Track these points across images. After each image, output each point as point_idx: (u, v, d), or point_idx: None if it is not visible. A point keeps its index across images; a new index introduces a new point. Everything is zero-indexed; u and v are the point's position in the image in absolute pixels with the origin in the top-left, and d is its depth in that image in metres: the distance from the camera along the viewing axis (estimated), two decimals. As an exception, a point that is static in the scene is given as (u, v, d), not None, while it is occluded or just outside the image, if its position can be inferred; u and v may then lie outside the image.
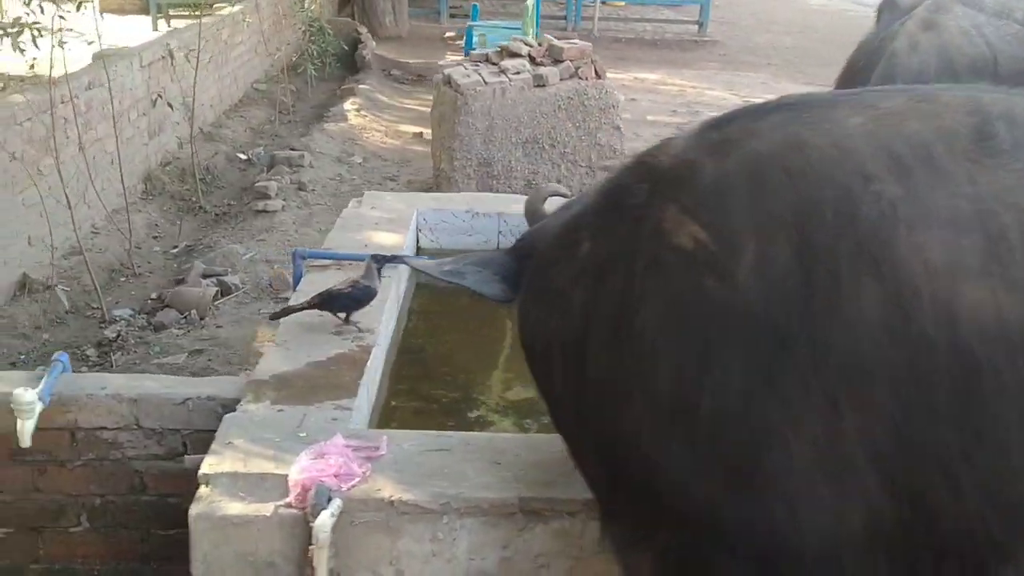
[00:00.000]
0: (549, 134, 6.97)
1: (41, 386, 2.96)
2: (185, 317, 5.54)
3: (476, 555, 2.57)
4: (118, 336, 5.39)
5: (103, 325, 5.61)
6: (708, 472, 1.64)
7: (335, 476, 2.56)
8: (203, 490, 2.58)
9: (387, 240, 4.37)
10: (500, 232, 4.93)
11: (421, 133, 10.00)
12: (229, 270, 6.12)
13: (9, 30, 5.50)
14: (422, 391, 3.90)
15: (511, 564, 2.58)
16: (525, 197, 5.17)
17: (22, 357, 5.17)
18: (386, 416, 3.52)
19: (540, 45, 7.29)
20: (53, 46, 5.53)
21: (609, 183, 2.06)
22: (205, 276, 6.02)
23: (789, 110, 1.82)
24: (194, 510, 2.52)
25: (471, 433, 2.93)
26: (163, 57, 8.24)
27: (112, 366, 4.98)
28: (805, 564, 1.61)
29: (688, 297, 1.67)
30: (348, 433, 2.76)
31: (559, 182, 7.07)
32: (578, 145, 7.03)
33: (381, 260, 3.54)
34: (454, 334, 4.49)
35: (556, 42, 7.28)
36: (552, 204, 2.75)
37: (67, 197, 5.69)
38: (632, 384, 1.76)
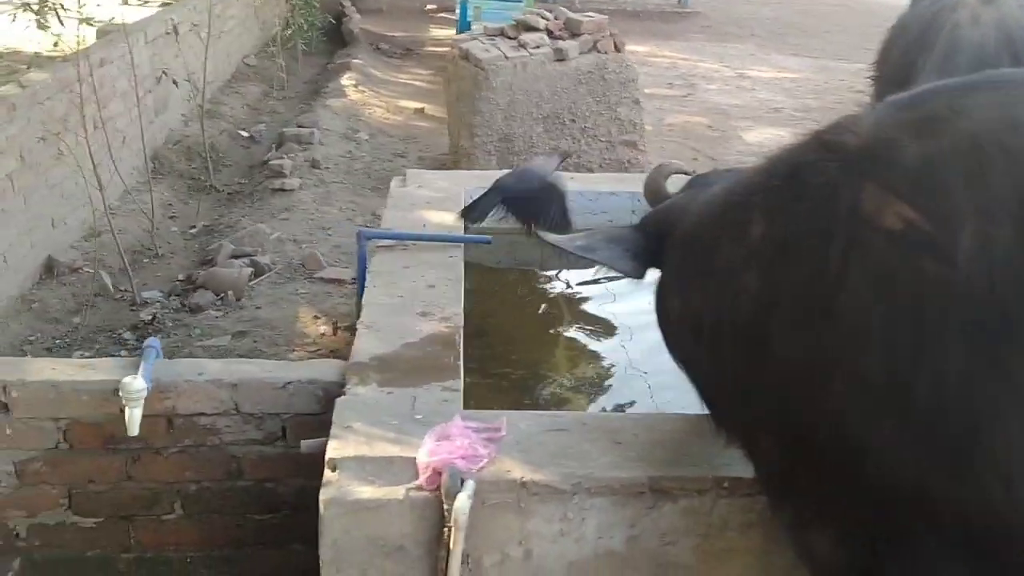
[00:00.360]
0: (570, 109, 6.95)
1: (143, 373, 2.93)
2: (221, 298, 5.49)
3: (604, 534, 2.60)
4: (154, 319, 5.32)
5: (135, 308, 5.54)
6: (921, 452, 1.67)
7: (463, 458, 2.57)
8: (331, 475, 2.57)
9: (443, 219, 4.35)
10: (547, 210, 4.92)
11: (423, 109, 9.94)
12: (258, 250, 6.05)
13: (32, 6, 5.38)
14: (490, 370, 3.90)
15: (638, 542, 2.61)
16: (571, 173, 5.20)
17: (57, 342, 5.10)
18: (466, 396, 3.52)
19: (557, 19, 7.25)
20: (80, 22, 5.41)
21: (778, 162, 2.06)
22: (234, 256, 5.96)
23: (994, 88, 1.83)
24: (325, 495, 2.52)
25: (584, 413, 2.95)
26: (167, 33, 8.09)
27: (154, 349, 4.92)
28: (1015, 542, 1.65)
29: (901, 278, 1.68)
30: (466, 415, 2.76)
31: (579, 157, 7.07)
32: (598, 119, 7.03)
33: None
34: (510, 313, 4.50)
35: (573, 15, 7.25)
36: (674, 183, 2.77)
37: (97, 176, 5.58)
38: (833, 365, 1.77)
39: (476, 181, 4.97)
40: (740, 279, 2.01)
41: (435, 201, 4.59)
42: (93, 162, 5.57)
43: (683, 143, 8.76)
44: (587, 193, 4.92)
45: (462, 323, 3.42)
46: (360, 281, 4.08)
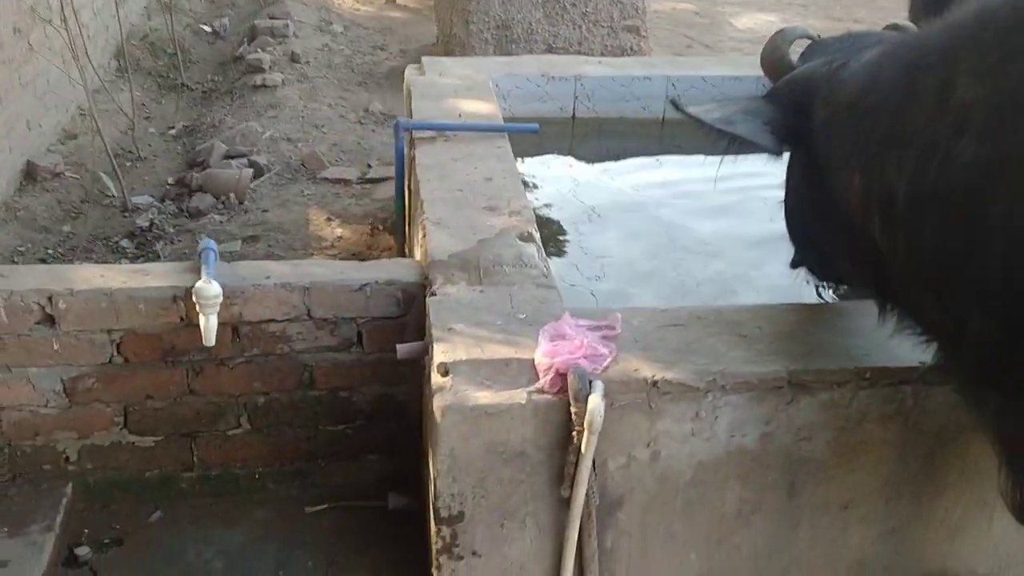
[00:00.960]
0: (571, -7, 6.60)
1: (208, 277, 2.65)
2: (222, 202, 5.14)
3: (737, 432, 2.44)
4: (152, 225, 4.97)
5: (127, 214, 5.18)
6: None
7: (585, 358, 2.37)
8: (444, 380, 2.35)
9: (478, 108, 4.06)
10: (576, 96, 4.65)
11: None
12: (252, 150, 5.68)
13: None
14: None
15: (771, 439, 2.46)
16: (596, 59, 4.90)
17: (50, 252, 4.74)
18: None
19: None
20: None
21: (981, 21, 1.84)
22: (228, 157, 5.59)
23: None
24: (441, 401, 2.30)
25: (699, 306, 2.75)
26: (123, -85, 7.44)
27: (160, 257, 4.60)
28: None
29: None
30: (575, 312, 2.55)
31: (580, 44, 6.74)
32: (600, 3, 6.67)
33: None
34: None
35: None
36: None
37: (80, 70, 5.12)
38: None
39: (500, 68, 4.67)
40: (949, 147, 1.80)
41: (461, 90, 4.28)
42: (74, 52, 5.10)
43: (674, 31, 8.46)
44: (619, 79, 4.66)
45: (533, 216, 3.18)
46: (399, 175, 3.80)
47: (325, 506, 3.01)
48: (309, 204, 5.16)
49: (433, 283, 2.72)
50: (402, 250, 3.94)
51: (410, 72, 4.71)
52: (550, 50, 6.64)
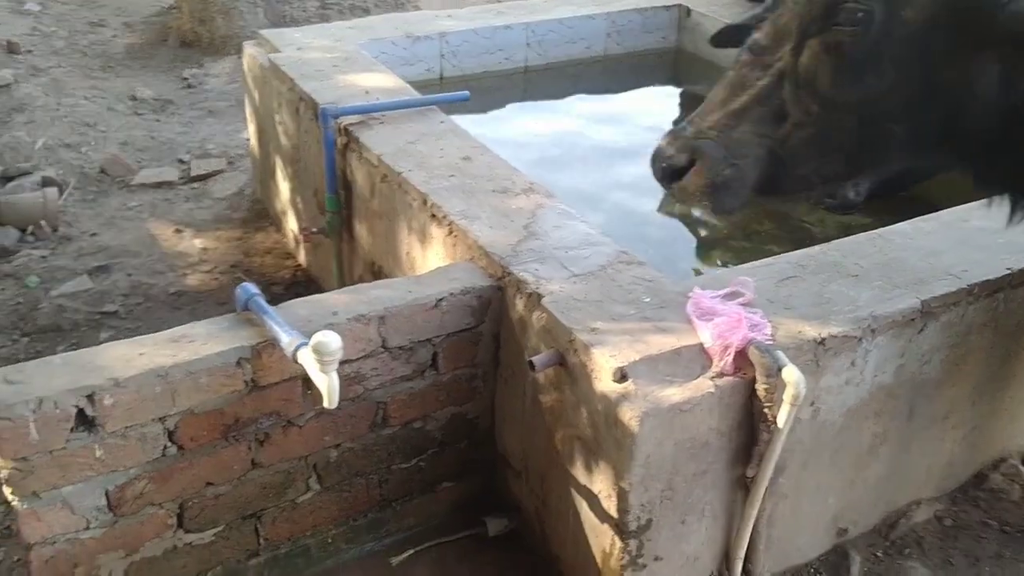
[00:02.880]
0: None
1: (281, 329, 2.20)
2: (32, 233, 4.28)
3: (879, 371, 2.47)
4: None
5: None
6: None
7: (753, 330, 2.27)
8: (626, 386, 2.14)
9: (381, 82, 3.68)
10: (443, 55, 4.37)
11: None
12: (29, 165, 4.76)
13: None
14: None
15: (903, 370, 2.52)
16: (447, 12, 4.61)
17: None
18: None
19: None
20: None
21: None
22: (5, 179, 4.64)
23: None
24: (635, 409, 2.10)
25: (791, 254, 2.69)
26: None
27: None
28: None
29: None
30: (702, 286, 2.42)
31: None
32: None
33: None
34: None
35: None
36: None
37: None
38: None
39: (359, 34, 4.26)
40: None
41: (342, 63, 3.85)
42: None
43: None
44: (481, 31, 4.44)
45: (551, 190, 2.97)
46: (330, 169, 3.36)
47: (411, 552, 2.67)
48: (142, 218, 4.44)
49: (524, 284, 2.46)
50: (340, 250, 3.52)
51: (253, 50, 4.16)
52: (323, 6, 6.19)
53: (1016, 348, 2.76)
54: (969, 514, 2.84)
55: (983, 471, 2.95)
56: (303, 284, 3.89)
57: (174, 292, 3.86)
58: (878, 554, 2.72)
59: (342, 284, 3.56)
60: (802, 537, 2.64)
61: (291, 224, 4.07)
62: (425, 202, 2.88)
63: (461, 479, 2.78)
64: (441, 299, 2.47)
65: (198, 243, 4.23)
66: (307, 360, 2.11)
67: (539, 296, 2.40)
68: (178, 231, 4.32)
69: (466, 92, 3.57)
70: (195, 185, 4.71)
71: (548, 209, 2.82)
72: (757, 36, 2.17)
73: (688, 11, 4.84)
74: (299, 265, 4.06)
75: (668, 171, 2.19)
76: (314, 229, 3.48)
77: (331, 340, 2.04)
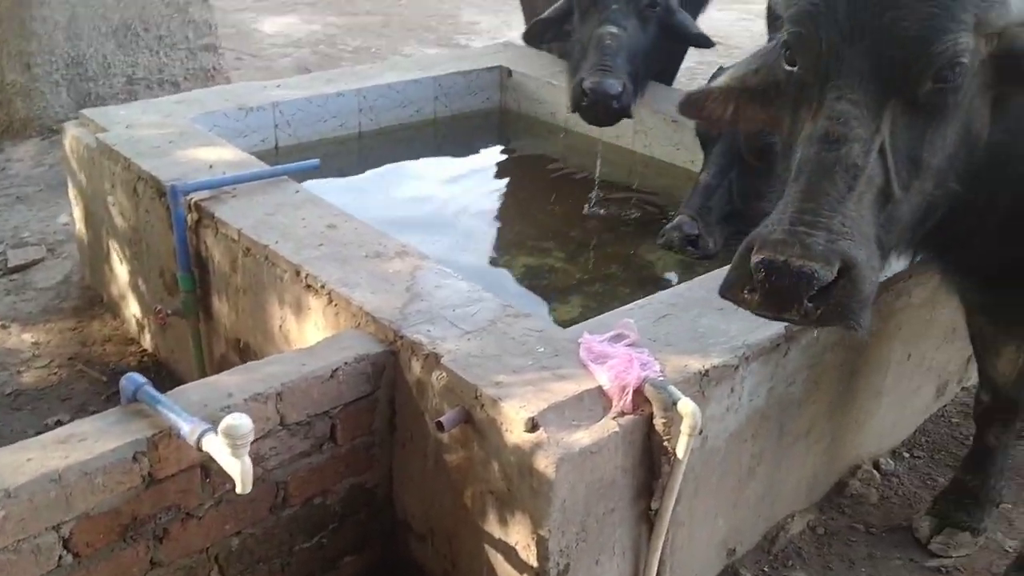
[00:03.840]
0: (140, 16, 5.94)
1: (174, 414, 2.13)
2: None
3: (754, 395, 2.65)
4: None
5: None
6: None
7: (643, 368, 2.39)
8: (537, 436, 2.20)
9: (222, 155, 3.62)
10: (276, 125, 4.34)
11: None
12: None
13: None
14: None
15: (773, 392, 2.71)
16: (275, 82, 4.58)
17: None
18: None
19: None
20: None
21: None
22: None
23: None
24: (548, 458, 2.16)
25: (661, 294, 2.81)
26: None
27: None
28: None
29: None
30: (591, 330, 2.52)
31: (160, 71, 6.15)
32: (172, 26, 6.11)
33: None
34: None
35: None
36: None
37: None
38: None
39: (190, 108, 4.16)
40: None
41: (178, 138, 3.75)
42: None
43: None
44: (315, 99, 4.44)
45: (427, 253, 3.01)
46: (181, 246, 3.26)
47: (319, 631, 2.60)
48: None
49: (420, 345, 2.48)
50: (197, 330, 3.40)
51: (77, 131, 3.99)
52: (130, 82, 5.98)
53: (861, 363, 3.04)
54: (837, 520, 3.07)
55: (843, 479, 3.20)
56: (153, 370, 3.72)
57: (10, 392, 3.59)
58: (765, 569, 2.89)
59: (202, 365, 3.43)
60: (698, 562, 2.77)
61: (132, 309, 3.89)
62: (298, 273, 2.84)
63: (363, 550, 2.74)
64: (337, 369, 2.45)
65: (28, 338, 3.96)
66: (214, 446, 2.04)
67: (437, 356, 2.43)
68: (3, 327, 4.02)
69: (316, 160, 3.56)
70: (14, 276, 4.41)
71: (426, 270, 2.85)
72: (840, 107, 1.88)
73: (509, 72, 5.03)
74: (145, 350, 3.87)
75: (809, 287, 1.78)
76: (169, 310, 3.34)
77: (242, 422, 1.99)
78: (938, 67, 1.86)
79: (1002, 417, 2.93)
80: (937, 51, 1.84)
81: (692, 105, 2.49)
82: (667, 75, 5.19)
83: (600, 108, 3.95)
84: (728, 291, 1.97)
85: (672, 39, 4.36)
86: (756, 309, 1.93)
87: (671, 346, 2.54)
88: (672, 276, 3.79)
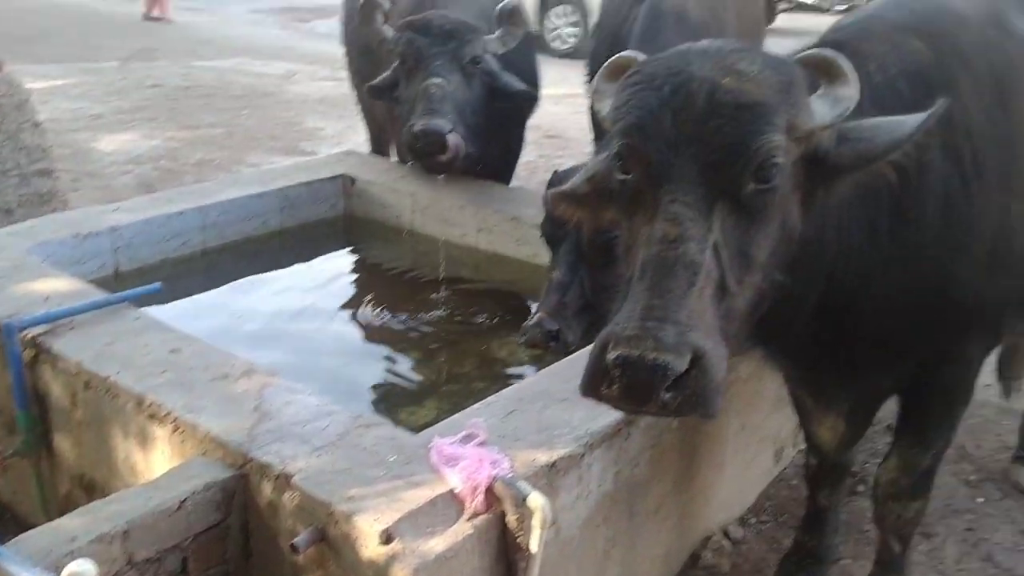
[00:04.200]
0: (-34, 146, 5.79)
1: (24, 568, 2.07)
2: None
3: (602, 481, 2.76)
4: None
5: None
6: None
7: (493, 466, 2.47)
8: (394, 547, 2.24)
9: (57, 286, 3.55)
10: (116, 249, 4.29)
11: None
12: None
13: None
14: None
15: (620, 476, 2.83)
16: (113, 205, 4.55)
17: None
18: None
19: None
20: None
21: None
22: None
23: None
24: (405, 569, 2.20)
25: (508, 391, 2.92)
26: None
27: None
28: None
29: None
30: (441, 433, 2.59)
31: (-9, 200, 5.97)
32: (2, 152, 5.97)
33: None
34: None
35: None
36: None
37: None
38: None
39: (20, 240, 4.06)
40: None
41: (14, 272, 3.66)
42: None
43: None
44: (155, 220, 4.42)
45: (277, 368, 3.03)
46: (18, 385, 3.17)
47: None
48: None
49: (270, 467, 2.49)
50: (39, 469, 3.28)
51: None
52: (-38, 214, 5.77)
53: (700, 439, 3.21)
54: (694, 594, 3.20)
55: (696, 551, 3.33)
56: (-6, 514, 3.55)
57: None
58: (630, 650, 2.96)
59: (46, 505, 3.31)
60: (563, 651, 2.82)
61: (-31, 451, 3.72)
62: (141, 403, 2.82)
63: None
64: (184, 500, 2.43)
65: None
66: (60, 595, 1.99)
67: (288, 476, 2.44)
68: None
69: (157, 284, 3.54)
70: None
71: (274, 388, 2.87)
72: (674, 210, 2.01)
73: (352, 180, 5.14)
74: (-16, 495, 3.69)
75: (664, 378, 1.87)
76: (8, 451, 3.23)
77: (86, 568, 1.96)
78: (757, 168, 2.02)
79: (830, 479, 3.15)
80: (755, 154, 2.01)
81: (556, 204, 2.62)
82: (506, 172, 5.43)
83: (434, 147, 4.16)
84: (588, 390, 2.05)
85: (499, 100, 4.62)
86: (617, 404, 2.02)
87: (519, 441, 2.63)
88: (523, 370, 3.91)
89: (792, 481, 3.74)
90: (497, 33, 4.61)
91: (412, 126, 4.22)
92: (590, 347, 3.16)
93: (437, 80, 4.31)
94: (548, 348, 3.38)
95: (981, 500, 3.68)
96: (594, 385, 2.01)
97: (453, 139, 4.22)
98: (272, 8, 19.42)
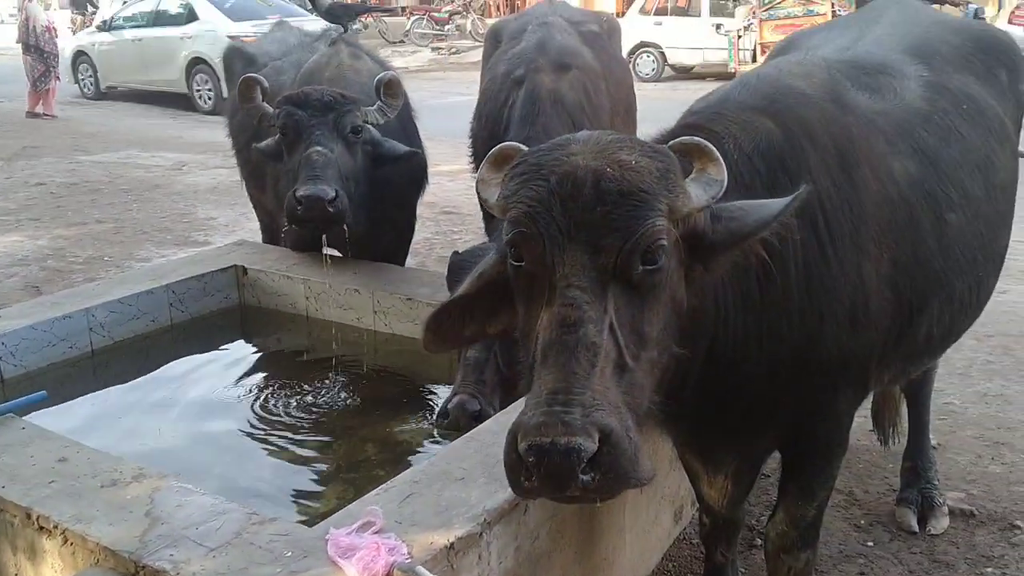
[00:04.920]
0: None
1: None
2: None
3: (503, 557, 2.79)
4: None
5: None
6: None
7: (391, 554, 2.49)
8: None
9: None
10: (0, 358, 4.19)
11: None
12: None
13: None
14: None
15: (520, 551, 2.87)
16: (7, 308, 4.45)
17: None
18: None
19: None
20: None
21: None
22: None
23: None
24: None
25: (405, 474, 2.93)
26: None
27: None
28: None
29: None
30: (336, 524, 2.60)
31: None
32: None
33: None
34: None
35: None
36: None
37: None
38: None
39: None
40: None
41: None
42: None
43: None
44: (40, 325, 4.34)
45: (165, 471, 2.99)
46: None
47: None
48: None
49: (162, 573, 2.45)
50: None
51: None
52: None
53: (599, 505, 3.27)
54: (604, 661, 3.22)
55: (603, 619, 3.37)
56: None
57: None
58: None
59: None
60: None
61: None
62: (29, 516, 2.75)
63: None
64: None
65: None
66: None
67: (143, 595, 2.41)
68: None
69: (43, 392, 3.47)
70: None
71: (165, 490, 2.84)
72: (571, 294, 2.07)
73: (245, 270, 5.14)
74: None
75: (579, 460, 1.88)
76: None
77: None
78: (644, 251, 2.11)
79: (724, 536, 3.25)
80: (642, 238, 2.10)
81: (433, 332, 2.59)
82: (399, 252, 5.51)
83: (316, 213, 4.22)
84: (513, 486, 2.05)
85: (386, 165, 4.77)
86: (541, 494, 2.03)
87: (416, 525, 2.65)
88: (425, 451, 3.93)
89: (694, 540, 3.83)
90: (376, 104, 4.71)
91: (295, 191, 4.26)
92: (489, 423, 3.31)
93: (319, 148, 4.38)
94: (471, 429, 3.41)
95: (871, 544, 3.83)
96: (516, 480, 2.02)
97: (338, 204, 4.26)
98: (160, 97, 19.31)
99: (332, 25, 6.17)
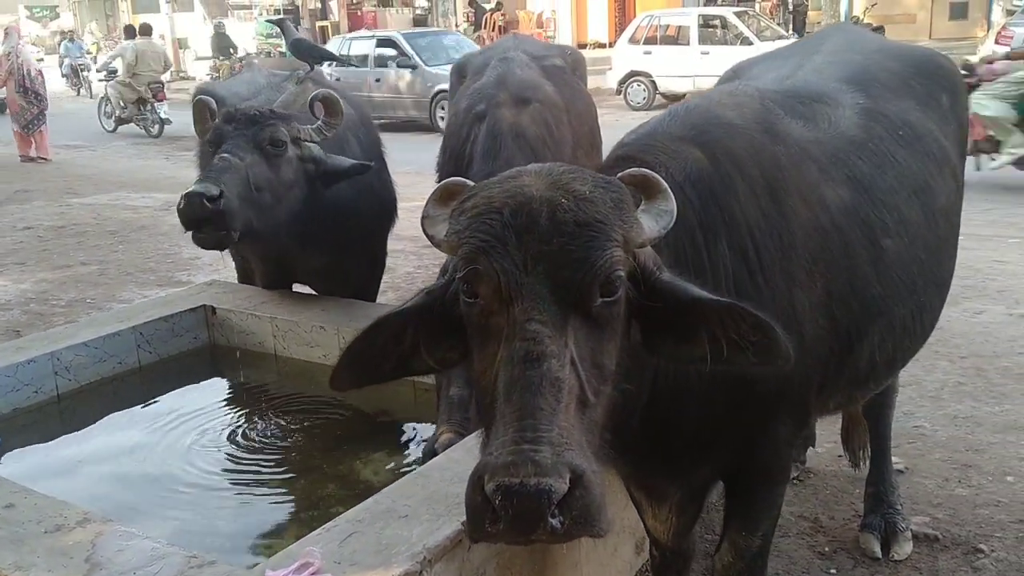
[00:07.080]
0: None
1: None
2: None
3: (446, 594, 2.79)
4: None
5: None
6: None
7: (328, 597, 2.49)
8: None
9: None
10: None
11: None
12: None
13: None
14: None
15: (465, 588, 2.87)
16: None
17: None
18: None
19: None
20: None
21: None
22: None
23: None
24: None
25: (347, 513, 2.93)
26: None
27: None
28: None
29: None
30: (273, 566, 2.60)
31: None
32: None
33: None
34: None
35: None
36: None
37: None
38: None
39: None
40: None
41: None
42: None
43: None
44: (4, 370, 4.35)
45: (110, 516, 2.99)
46: None
47: None
48: None
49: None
50: None
51: None
52: None
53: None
54: None
55: (557, 653, 3.34)
56: None
57: None
58: None
59: None
60: None
61: None
62: (-27, 567, 2.75)
63: None
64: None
65: None
66: None
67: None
68: None
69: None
70: None
71: (107, 535, 2.84)
72: (532, 328, 1.99)
73: (213, 309, 5.16)
74: None
75: (550, 502, 1.77)
76: None
77: None
78: (603, 282, 2.05)
79: (674, 568, 3.23)
80: (601, 269, 2.05)
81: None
82: (370, 287, 5.53)
83: (193, 208, 4.08)
84: (474, 532, 1.91)
85: (336, 181, 4.72)
86: (506, 539, 1.89)
87: (356, 565, 2.65)
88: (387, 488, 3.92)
89: (656, 571, 3.81)
90: (316, 124, 4.67)
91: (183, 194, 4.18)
92: (440, 459, 3.31)
93: (224, 155, 4.32)
94: None
95: (834, 571, 3.80)
96: (478, 524, 1.87)
97: (221, 204, 4.11)
98: (155, 139, 19.45)
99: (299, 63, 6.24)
